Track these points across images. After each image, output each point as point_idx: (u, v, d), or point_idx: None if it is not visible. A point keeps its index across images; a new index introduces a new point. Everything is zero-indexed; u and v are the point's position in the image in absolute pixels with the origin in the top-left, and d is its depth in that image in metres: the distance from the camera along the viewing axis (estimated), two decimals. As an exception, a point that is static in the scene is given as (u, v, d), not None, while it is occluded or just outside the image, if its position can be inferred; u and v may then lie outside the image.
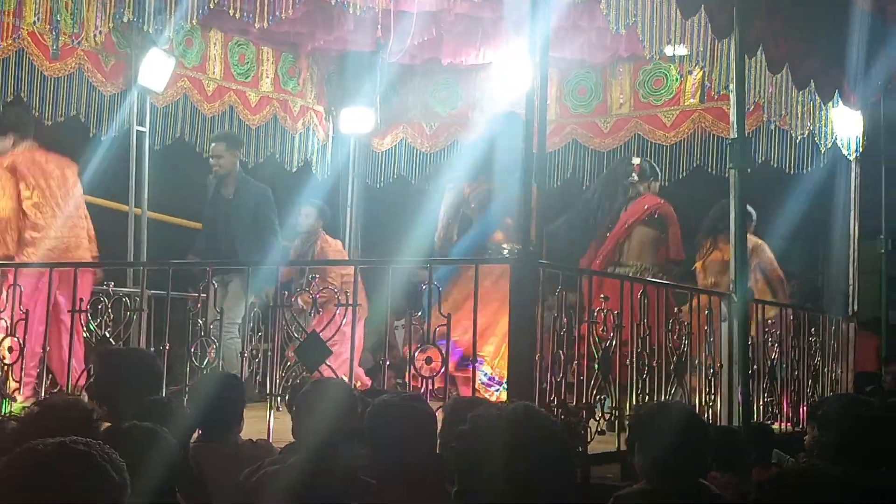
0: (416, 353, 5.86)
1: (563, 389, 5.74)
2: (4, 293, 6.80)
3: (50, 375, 6.79)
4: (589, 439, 5.67)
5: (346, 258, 9.55)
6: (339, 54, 10.25)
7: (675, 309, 6.94)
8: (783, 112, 7.85)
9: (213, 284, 6.46)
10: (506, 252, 7.78)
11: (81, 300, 6.49)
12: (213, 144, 8.66)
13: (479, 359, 6.58)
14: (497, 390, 7.51)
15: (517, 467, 2.63)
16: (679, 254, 8.29)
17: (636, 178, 8.39)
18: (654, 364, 6.38)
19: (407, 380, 6.12)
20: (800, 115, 8.04)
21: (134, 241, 8.79)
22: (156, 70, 8.64)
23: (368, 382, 8.59)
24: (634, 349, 6.28)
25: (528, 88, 5.58)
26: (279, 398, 6.00)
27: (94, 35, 7.87)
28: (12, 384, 6.58)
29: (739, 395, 6.52)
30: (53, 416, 3.35)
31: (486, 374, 7.57)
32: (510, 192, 7.40)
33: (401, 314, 8.30)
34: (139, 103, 8.82)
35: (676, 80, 9.67)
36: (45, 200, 7.32)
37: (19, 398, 6.62)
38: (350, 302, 6.00)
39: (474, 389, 6.05)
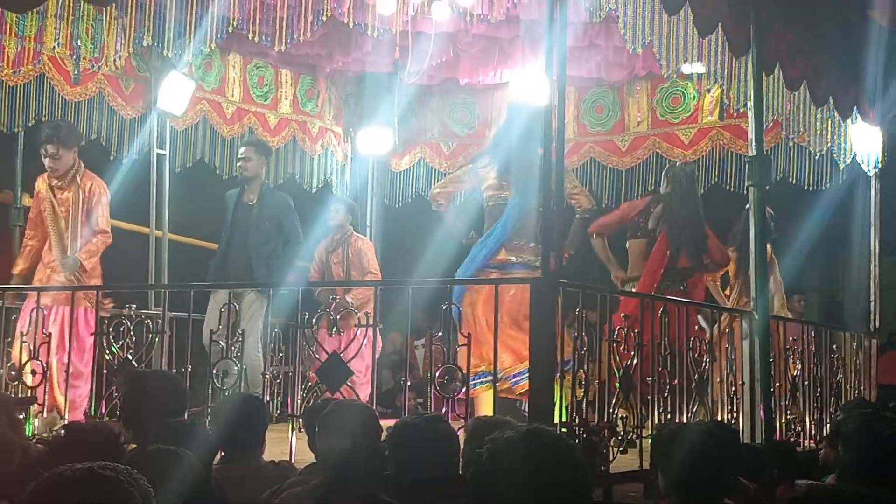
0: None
1: (585, 408, 5.74)
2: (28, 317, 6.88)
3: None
4: (611, 458, 5.66)
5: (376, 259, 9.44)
6: (357, 76, 10.30)
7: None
8: (801, 129, 7.85)
9: (235, 306, 6.49)
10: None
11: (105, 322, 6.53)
12: (242, 149, 8.59)
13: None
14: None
15: (532, 490, 2.64)
16: (724, 258, 8.29)
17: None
18: (676, 382, 6.37)
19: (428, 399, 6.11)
20: (818, 131, 8.04)
21: (155, 264, 8.84)
22: (175, 93, 8.70)
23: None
24: (655, 367, 6.27)
25: (546, 107, 5.59)
26: (301, 419, 6.01)
27: (114, 59, 7.95)
28: (36, 406, 6.61)
29: (762, 413, 6.50)
30: (80, 440, 3.36)
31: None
32: (523, 204, 7.40)
33: (421, 334, 8.32)
34: (159, 126, 8.88)
35: (694, 97, 9.68)
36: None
37: (38, 421, 6.64)
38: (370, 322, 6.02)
39: (495, 409, 6.04)
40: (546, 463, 2.69)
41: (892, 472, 3.98)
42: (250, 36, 7.39)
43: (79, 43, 7.80)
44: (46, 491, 2.25)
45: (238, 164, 8.50)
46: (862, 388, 8.77)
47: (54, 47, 7.77)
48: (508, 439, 2.79)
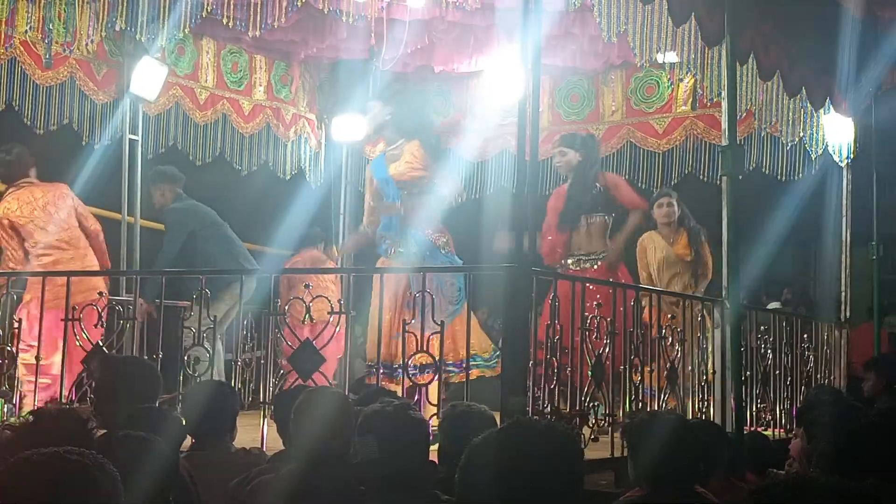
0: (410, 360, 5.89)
1: (557, 396, 5.75)
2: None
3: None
4: (582, 446, 5.67)
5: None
6: (332, 62, 10.26)
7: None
8: (774, 119, 7.88)
9: (207, 292, 6.46)
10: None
11: (75, 308, 6.49)
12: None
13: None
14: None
15: (516, 486, 2.62)
16: (635, 202, 8.06)
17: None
18: (648, 371, 6.40)
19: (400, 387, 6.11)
20: (791, 121, 8.07)
21: (127, 250, 8.79)
22: (148, 78, 8.64)
23: None
24: (627, 355, 6.29)
25: (521, 96, 5.59)
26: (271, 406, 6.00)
27: (87, 44, 7.88)
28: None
29: (732, 402, 6.54)
30: (48, 426, 3.34)
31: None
32: None
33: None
34: (131, 112, 8.81)
35: (668, 87, 9.68)
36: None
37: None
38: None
39: (467, 395, 6.04)
40: (531, 463, 2.65)
41: (867, 463, 3.96)
42: (224, 21, 7.35)
43: (51, 27, 7.73)
44: (12, 475, 2.24)
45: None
46: (832, 377, 8.84)
47: (26, 31, 7.68)
48: (495, 433, 2.77)
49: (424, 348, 5.85)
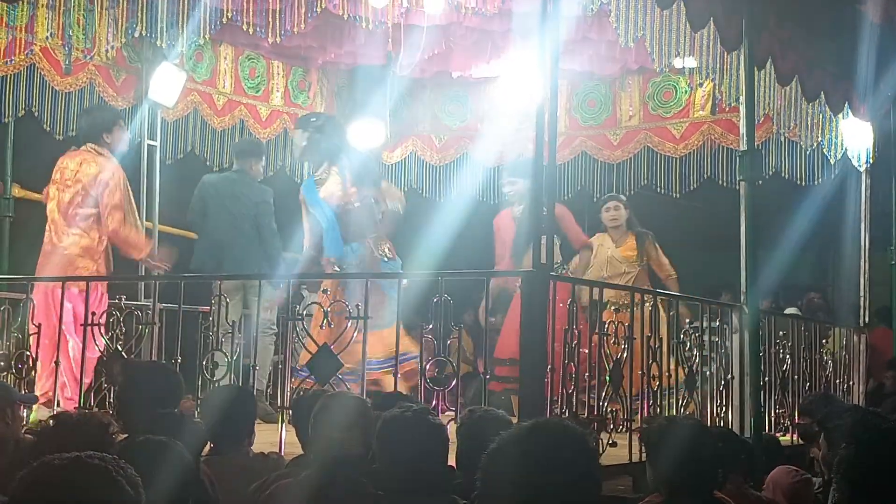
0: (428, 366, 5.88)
1: (575, 402, 5.75)
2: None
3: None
4: (600, 451, 5.66)
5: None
6: (350, 68, 10.27)
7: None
8: (793, 124, 7.87)
9: (225, 297, 6.48)
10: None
11: (94, 314, 6.51)
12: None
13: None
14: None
15: (537, 487, 2.62)
16: (579, 239, 8.52)
17: None
18: (666, 376, 6.39)
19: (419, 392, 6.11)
20: (809, 126, 8.06)
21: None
22: (166, 84, 8.67)
23: None
24: (645, 361, 6.28)
25: (538, 101, 5.59)
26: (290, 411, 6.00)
27: (106, 50, 7.92)
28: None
29: (750, 407, 6.52)
30: (69, 431, 3.36)
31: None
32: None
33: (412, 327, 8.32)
34: (150, 117, 8.85)
35: (686, 92, 9.67)
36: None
37: (34, 410, 6.62)
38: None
39: (485, 401, 6.03)
40: (556, 454, 2.66)
41: (888, 469, 3.92)
42: (244, 27, 7.37)
43: (70, 33, 7.77)
44: (34, 479, 2.25)
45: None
46: (851, 382, 8.80)
47: (46, 38, 7.72)
48: (515, 434, 2.77)
49: (442, 353, 5.85)
